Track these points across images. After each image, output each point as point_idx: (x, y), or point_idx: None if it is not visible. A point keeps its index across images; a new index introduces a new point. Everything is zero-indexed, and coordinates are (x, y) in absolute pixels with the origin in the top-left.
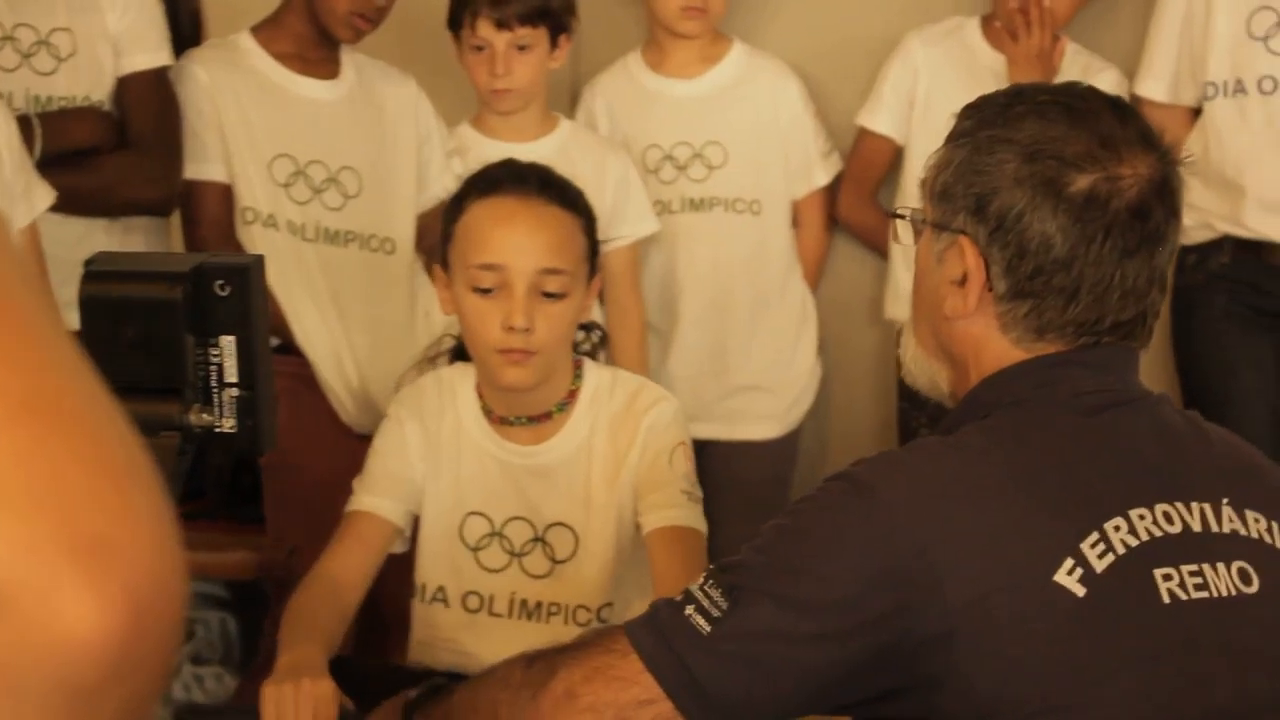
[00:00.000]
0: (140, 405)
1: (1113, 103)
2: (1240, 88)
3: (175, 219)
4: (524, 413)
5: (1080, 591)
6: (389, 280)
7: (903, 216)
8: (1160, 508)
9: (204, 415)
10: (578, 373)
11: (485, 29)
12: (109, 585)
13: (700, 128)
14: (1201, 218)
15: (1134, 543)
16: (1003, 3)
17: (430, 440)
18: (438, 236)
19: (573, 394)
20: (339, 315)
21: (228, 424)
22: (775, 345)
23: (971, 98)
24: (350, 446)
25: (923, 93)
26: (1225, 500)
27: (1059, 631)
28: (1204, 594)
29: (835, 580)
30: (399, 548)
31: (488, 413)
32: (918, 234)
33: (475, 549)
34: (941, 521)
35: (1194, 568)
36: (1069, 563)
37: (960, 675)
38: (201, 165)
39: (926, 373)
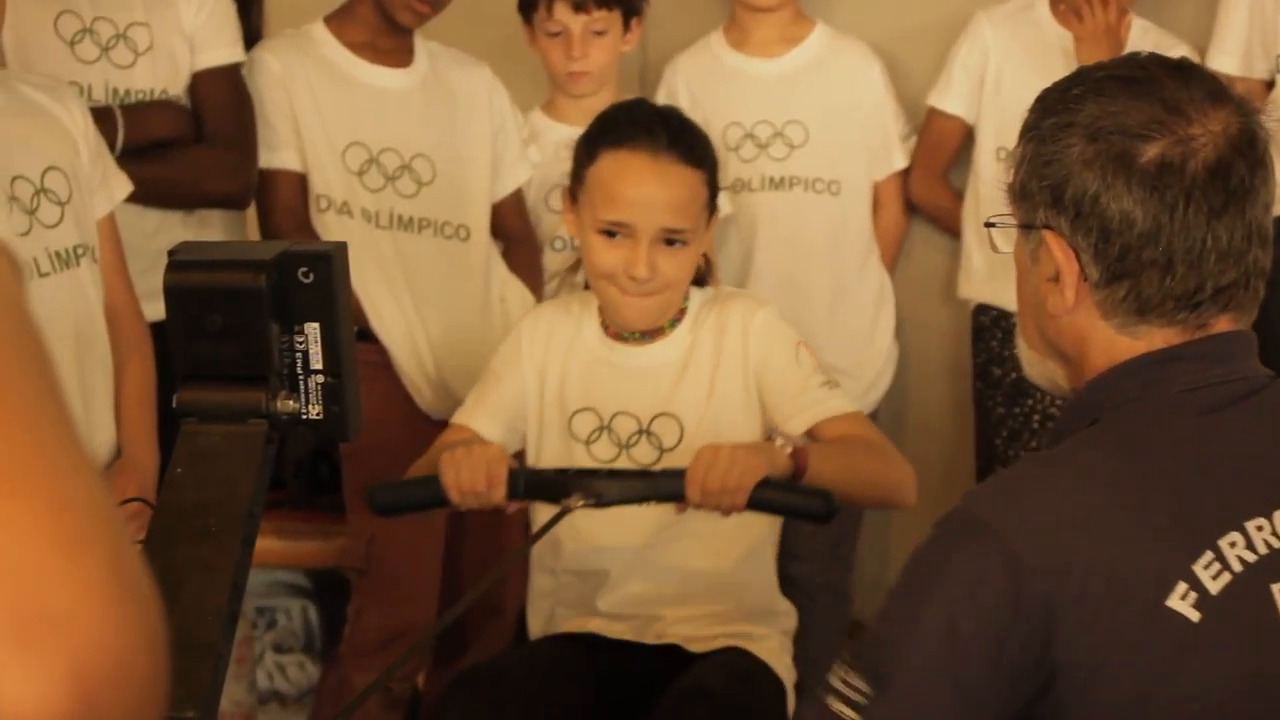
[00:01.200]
0: (227, 393)
1: (1173, 65)
2: None
3: (251, 211)
4: (638, 328)
5: (1194, 616)
6: (464, 267)
7: (993, 224)
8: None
9: (290, 402)
10: (686, 295)
11: (562, 12)
12: (54, 664)
13: (782, 106)
14: None
15: (1251, 558)
16: None
17: (544, 350)
18: (511, 225)
19: (682, 312)
20: (414, 302)
21: (314, 411)
22: (854, 327)
23: (1041, 76)
24: (427, 432)
25: (993, 72)
26: None
27: (1172, 661)
28: None
29: (968, 638)
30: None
31: (605, 328)
32: (1015, 238)
33: (587, 442)
34: (1058, 555)
35: None
36: (1181, 587)
37: (1074, 711)
38: (275, 154)
39: (1044, 373)
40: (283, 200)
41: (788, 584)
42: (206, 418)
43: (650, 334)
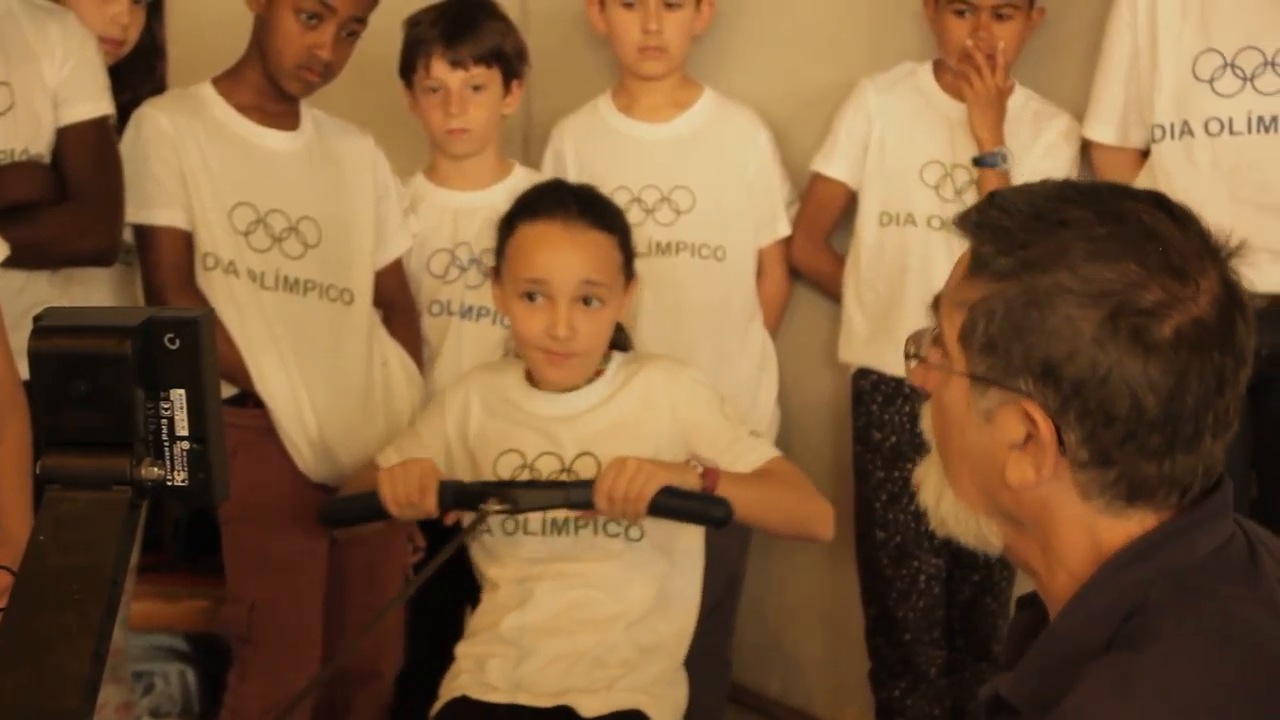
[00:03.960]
0: (91, 460)
1: (1160, 203)
2: (1187, 129)
3: (136, 267)
4: (562, 386)
5: None
6: (348, 330)
7: (917, 357)
8: None
9: (155, 469)
10: (607, 358)
11: (440, 69)
12: None
13: (669, 172)
14: None
15: None
16: (954, 47)
17: (466, 403)
18: (392, 293)
19: (599, 373)
20: (298, 363)
21: (179, 477)
22: (736, 391)
23: (925, 142)
24: (308, 496)
25: (877, 138)
26: None
27: None
28: None
29: None
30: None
31: (531, 382)
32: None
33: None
34: None
35: None
36: None
37: None
38: (162, 211)
39: (971, 529)
40: (168, 258)
41: None
42: (70, 484)
43: (570, 389)
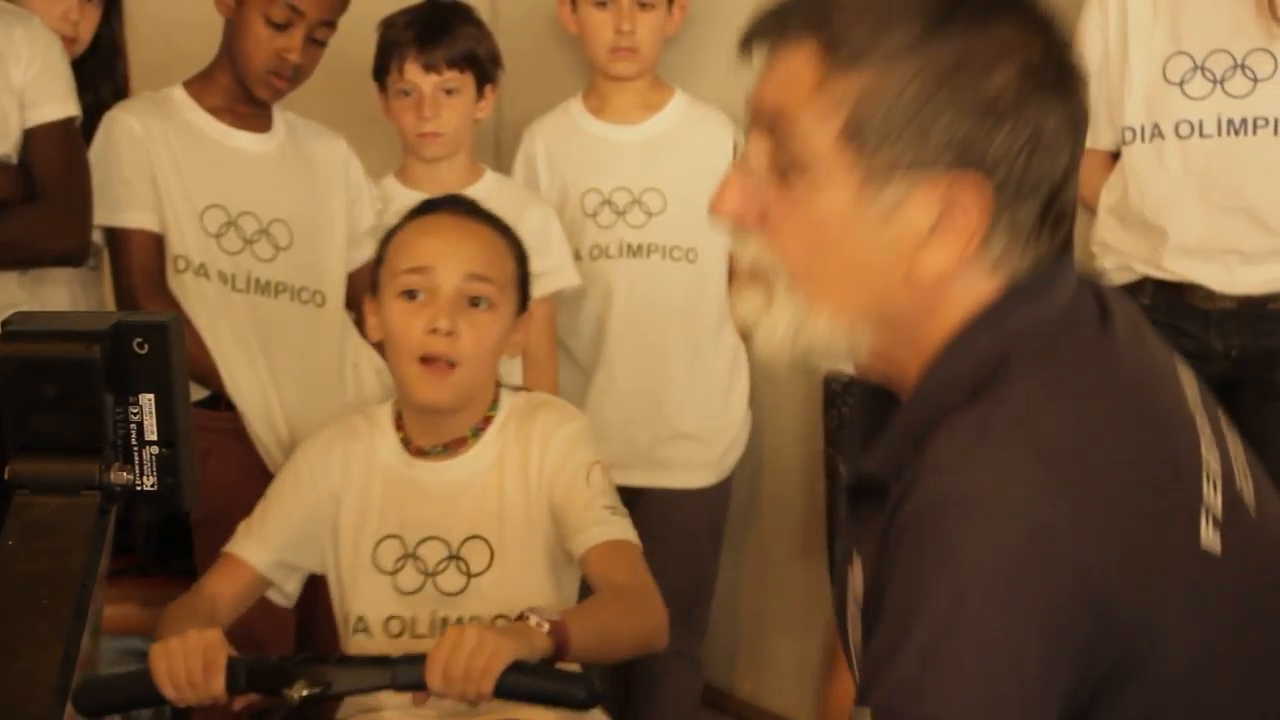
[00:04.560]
0: (60, 465)
1: None
2: (1158, 132)
3: (106, 269)
4: (440, 440)
5: (1218, 547)
6: (319, 332)
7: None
8: (1198, 421)
9: (124, 474)
10: (494, 402)
11: (413, 72)
12: None
13: (640, 174)
14: (1122, 260)
15: (1217, 467)
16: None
17: (339, 474)
18: (365, 295)
19: (488, 420)
20: (269, 365)
21: (148, 482)
22: (708, 394)
23: None
24: None
25: None
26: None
27: (1221, 603)
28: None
29: (1005, 657)
30: (280, 601)
31: (406, 444)
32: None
33: (391, 573)
34: (1085, 537)
35: (1240, 486)
36: (1203, 519)
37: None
38: (132, 213)
39: (841, 346)
40: (139, 260)
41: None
42: (39, 489)
43: (452, 445)
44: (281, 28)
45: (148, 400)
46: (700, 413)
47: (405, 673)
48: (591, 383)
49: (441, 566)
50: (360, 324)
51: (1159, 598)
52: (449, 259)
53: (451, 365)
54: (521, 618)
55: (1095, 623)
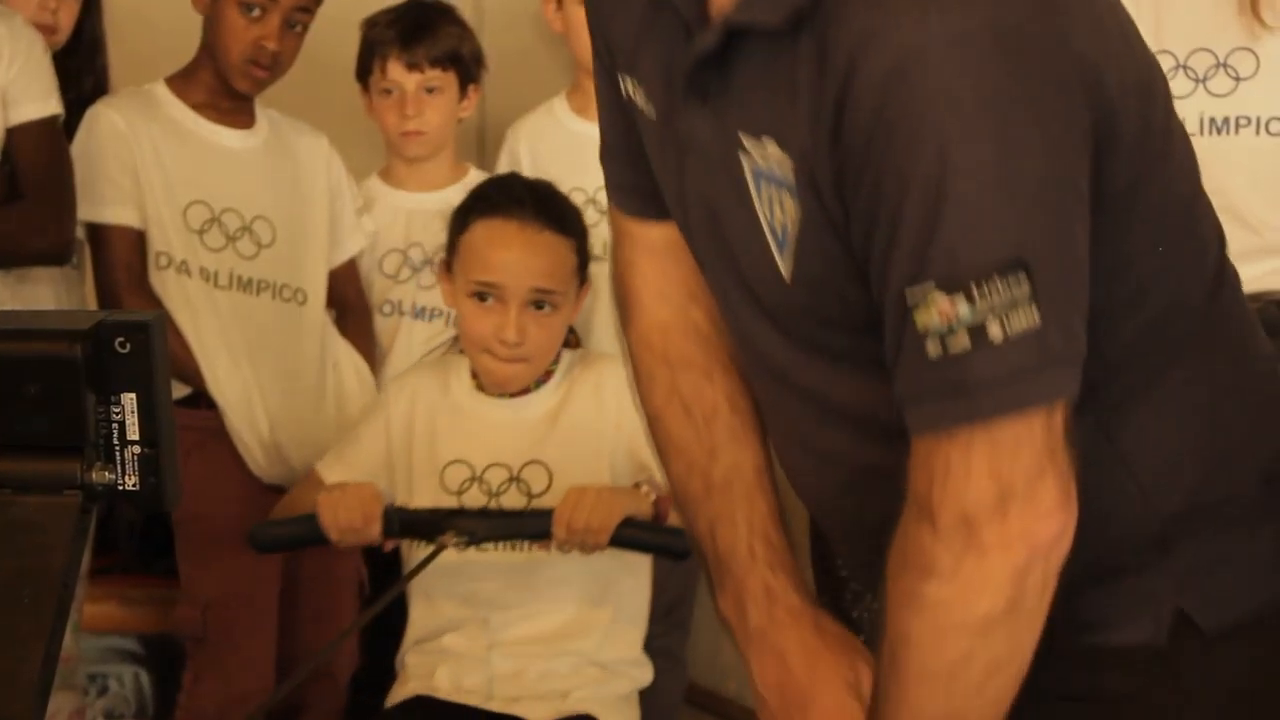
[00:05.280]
0: (41, 464)
1: None
2: None
3: (88, 266)
4: (506, 391)
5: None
6: (300, 330)
7: None
8: None
9: (106, 473)
10: (556, 359)
11: (395, 71)
12: None
13: None
14: None
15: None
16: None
17: (410, 408)
18: (345, 294)
19: (549, 374)
20: (250, 363)
21: (130, 482)
22: None
23: None
24: (261, 499)
25: None
26: None
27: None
28: None
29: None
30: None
31: (478, 387)
32: None
33: (458, 493)
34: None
35: None
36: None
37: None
38: (114, 209)
39: None
40: (121, 257)
41: None
42: (20, 489)
43: (518, 393)
44: (256, 15)
45: (130, 399)
46: None
47: (535, 524)
48: None
49: (504, 488)
50: (339, 322)
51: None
52: (516, 275)
53: (519, 360)
54: (637, 485)
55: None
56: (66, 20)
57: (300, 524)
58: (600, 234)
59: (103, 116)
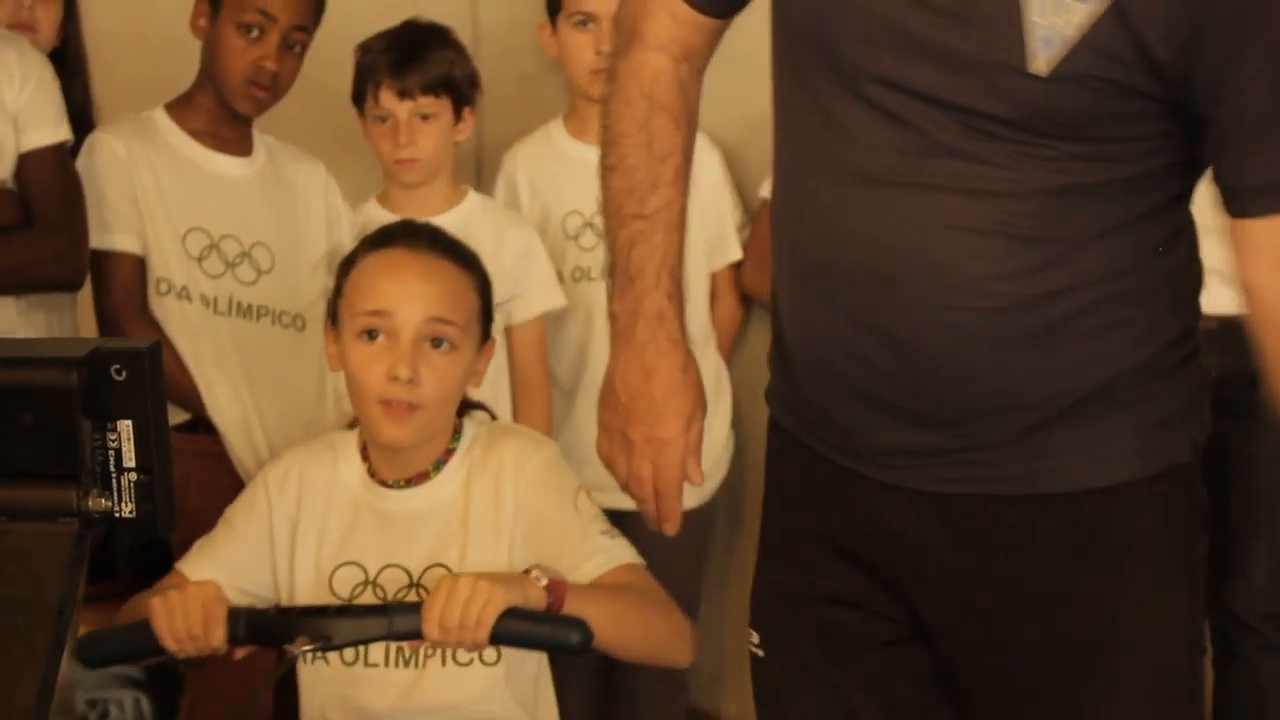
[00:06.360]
0: (37, 491)
1: None
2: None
3: (86, 290)
4: (402, 474)
5: None
6: (300, 356)
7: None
8: None
9: (102, 500)
10: (456, 435)
11: (388, 99)
12: None
13: None
14: None
15: None
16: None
17: (295, 499)
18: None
19: (450, 452)
20: (250, 389)
21: (127, 509)
22: None
23: None
24: None
25: None
26: None
27: None
28: None
29: None
30: None
31: (371, 474)
32: None
33: (349, 600)
34: None
35: None
36: None
37: None
38: (115, 236)
39: None
40: (121, 283)
41: (623, 672)
42: (16, 516)
43: (415, 479)
44: (255, 36)
45: (126, 427)
46: None
47: (402, 621)
48: (574, 405)
49: (401, 594)
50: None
51: None
52: (409, 302)
53: (413, 408)
54: (526, 573)
55: None
56: (46, 19)
57: (131, 633)
58: (597, 257)
59: (103, 143)
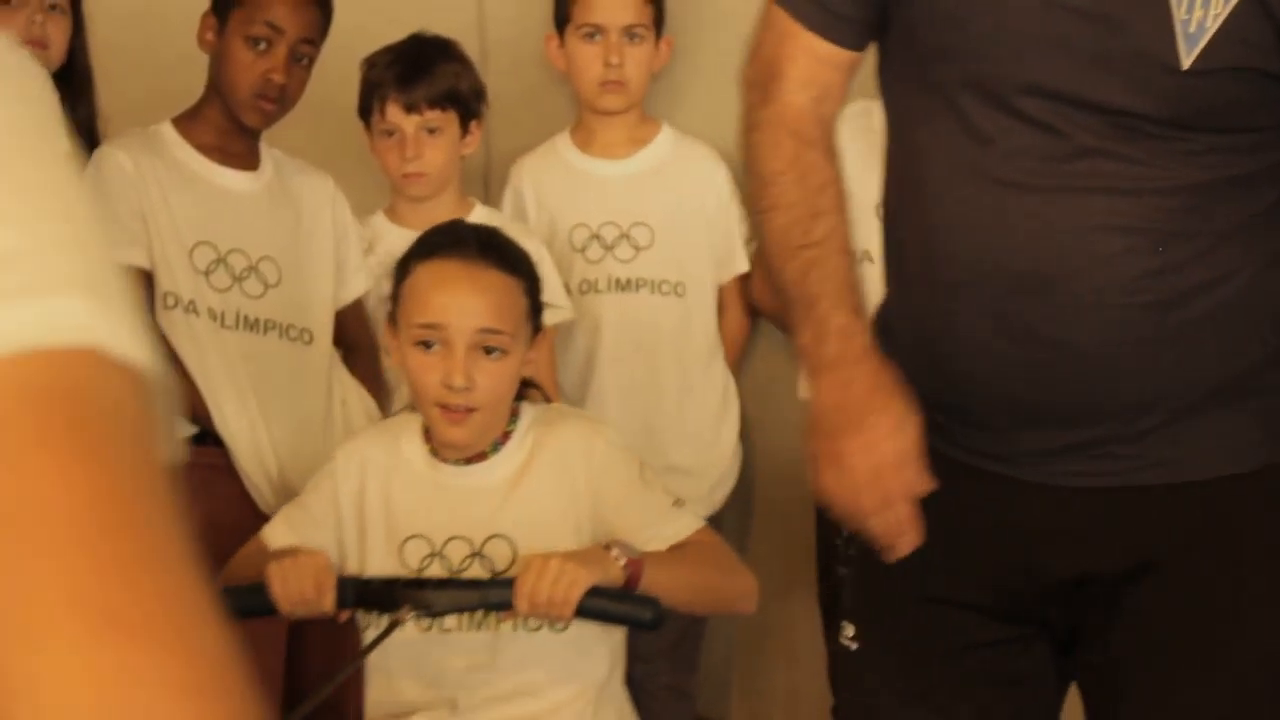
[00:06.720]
0: None
1: None
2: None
3: None
4: (462, 455)
5: None
6: (307, 370)
7: None
8: None
9: None
10: (514, 417)
11: (394, 113)
12: None
13: (628, 208)
14: None
15: None
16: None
17: (360, 478)
18: (352, 333)
19: (507, 435)
20: (258, 402)
21: None
22: (699, 428)
23: (879, 180)
24: None
25: None
26: None
27: None
28: None
29: None
30: None
31: (433, 452)
32: None
33: (418, 571)
34: None
35: None
36: None
37: None
38: (121, 250)
39: None
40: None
41: (630, 685)
42: None
43: (474, 458)
44: (263, 48)
45: None
46: (690, 446)
47: (496, 595)
48: None
49: (466, 564)
50: (346, 360)
51: None
52: (461, 316)
53: (469, 411)
54: (607, 548)
55: None
56: (56, 35)
57: (248, 594)
58: (604, 269)
59: (110, 157)
